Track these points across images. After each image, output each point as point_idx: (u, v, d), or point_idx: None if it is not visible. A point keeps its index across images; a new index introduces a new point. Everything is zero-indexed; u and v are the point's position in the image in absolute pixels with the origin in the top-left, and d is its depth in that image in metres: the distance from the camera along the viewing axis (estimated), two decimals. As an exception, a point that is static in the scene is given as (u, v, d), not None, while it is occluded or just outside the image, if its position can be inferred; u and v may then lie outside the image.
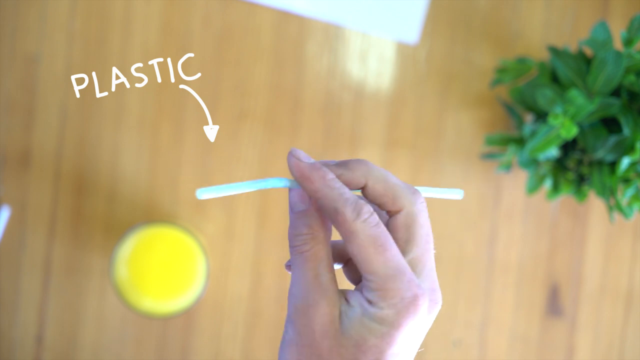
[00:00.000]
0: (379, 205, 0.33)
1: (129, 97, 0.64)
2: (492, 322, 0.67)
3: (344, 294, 0.32)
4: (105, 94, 0.64)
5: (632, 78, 0.52)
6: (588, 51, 0.58)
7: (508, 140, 0.62)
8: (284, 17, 0.65)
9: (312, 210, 0.32)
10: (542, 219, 0.67)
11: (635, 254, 0.68)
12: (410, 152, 0.66)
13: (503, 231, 0.67)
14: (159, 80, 0.64)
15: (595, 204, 0.67)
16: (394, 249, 0.31)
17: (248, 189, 0.33)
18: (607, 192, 0.56)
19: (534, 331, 0.67)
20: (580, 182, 0.60)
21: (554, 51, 0.57)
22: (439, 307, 0.33)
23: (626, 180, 0.55)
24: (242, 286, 0.65)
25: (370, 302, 0.31)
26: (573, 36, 0.66)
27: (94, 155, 0.64)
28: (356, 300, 0.31)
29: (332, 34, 0.65)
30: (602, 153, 0.55)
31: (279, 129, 0.65)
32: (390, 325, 0.30)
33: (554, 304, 0.67)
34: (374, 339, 0.30)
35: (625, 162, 0.53)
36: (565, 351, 0.67)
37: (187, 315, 0.65)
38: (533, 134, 0.58)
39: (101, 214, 0.64)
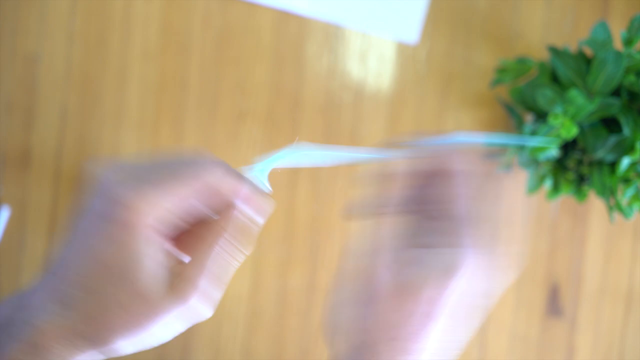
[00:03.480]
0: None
1: (129, 97, 0.64)
2: (492, 322, 0.67)
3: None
4: (106, 93, 0.64)
5: (632, 78, 0.52)
6: (588, 51, 0.58)
7: (508, 140, 0.62)
8: (284, 17, 0.65)
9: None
10: (542, 219, 0.67)
11: (635, 254, 0.68)
12: (410, 152, 0.66)
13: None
14: (159, 79, 0.64)
15: (595, 204, 0.67)
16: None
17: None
18: (607, 192, 0.56)
19: (534, 331, 0.67)
20: (580, 182, 0.60)
21: (554, 51, 0.56)
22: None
23: (626, 180, 0.55)
24: (242, 286, 0.65)
25: (430, 246, 0.32)
26: (573, 36, 0.66)
27: (94, 155, 0.64)
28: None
29: (332, 34, 0.65)
30: (602, 153, 0.55)
31: (279, 129, 0.65)
32: (447, 275, 0.32)
33: (554, 304, 0.67)
34: (429, 290, 0.32)
35: (625, 162, 0.53)
36: (565, 351, 0.67)
37: (187, 315, 0.65)
38: (533, 134, 0.58)
39: (101, 214, 0.64)
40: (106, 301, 0.29)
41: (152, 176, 0.30)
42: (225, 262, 0.31)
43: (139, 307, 0.29)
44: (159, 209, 0.29)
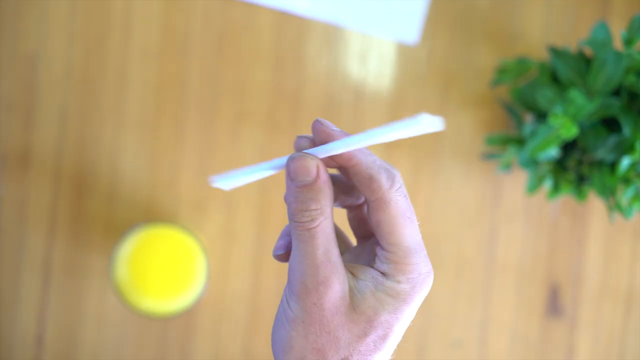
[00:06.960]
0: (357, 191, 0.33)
1: (129, 97, 0.64)
2: (492, 322, 0.67)
3: (350, 268, 0.31)
4: (106, 93, 0.64)
5: (632, 78, 0.52)
6: (588, 51, 0.58)
7: (508, 140, 0.62)
8: (284, 17, 0.65)
9: (320, 183, 0.30)
10: (542, 219, 0.67)
11: (635, 254, 0.68)
12: (410, 152, 0.66)
13: (503, 231, 0.67)
14: (159, 80, 0.64)
15: (595, 204, 0.67)
16: (416, 223, 0.31)
17: (264, 172, 0.32)
18: (607, 192, 0.56)
19: (534, 331, 0.67)
20: (580, 182, 0.60)
21: (554, 51, 0.57)
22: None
23: (626, 180, 0.55)
24: (242, 286, 0.65)
25: (386, 275, 0.30)
26: (573, 36, 0.66)
27: (94, 155, 0.64)
28: (367, 274, 0.31)
29: (332, 34, 0.65)
30: (602, 153, 0.55)
31: (279, 129, 0.65)
32: (404, 300, 0.30)
33: (554, 304, 0.67)
34: (386, 314, 0.30)
35: (625, 162, 0.53)
36: (565, 351, 0.67)
37: (187, 315, 0.65)
38: (533, 134, 0.58)
39: (101, 214, 0.64)
40: None
41: None
42: None
43: None
44: None
